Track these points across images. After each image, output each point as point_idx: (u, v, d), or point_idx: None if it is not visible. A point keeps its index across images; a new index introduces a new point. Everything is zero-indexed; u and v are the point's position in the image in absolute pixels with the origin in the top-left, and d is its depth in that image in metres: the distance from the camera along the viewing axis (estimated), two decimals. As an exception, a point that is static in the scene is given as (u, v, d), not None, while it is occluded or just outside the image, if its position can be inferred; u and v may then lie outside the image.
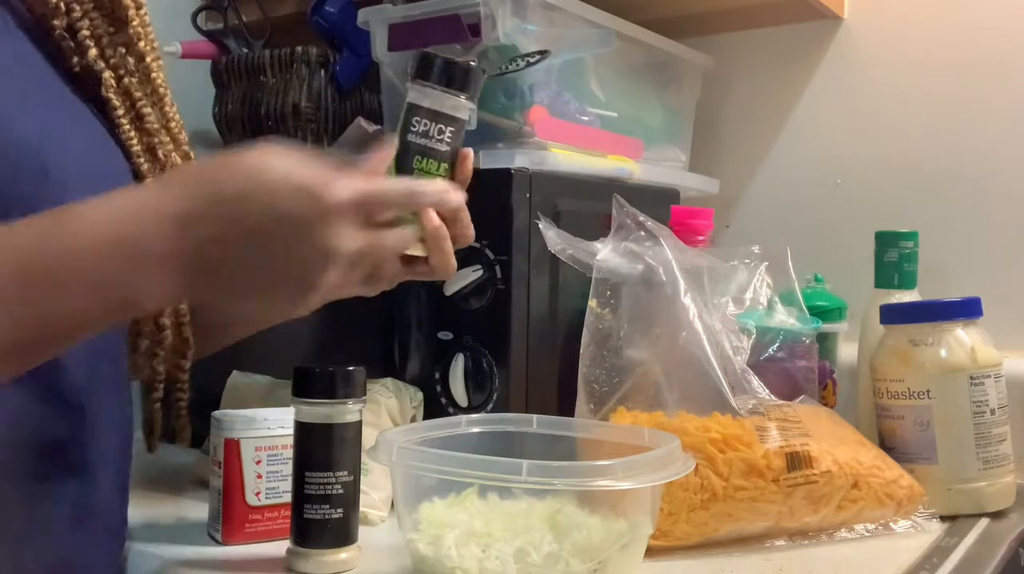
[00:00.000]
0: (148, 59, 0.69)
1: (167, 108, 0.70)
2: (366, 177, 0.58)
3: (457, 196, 0.63)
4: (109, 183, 0.62)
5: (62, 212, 0.53)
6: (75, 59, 0.67)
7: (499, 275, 0.87)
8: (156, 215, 0.53)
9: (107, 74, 0.67)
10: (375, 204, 0.57)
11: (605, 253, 0.86)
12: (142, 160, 0.68)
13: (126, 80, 0.68)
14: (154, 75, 0.69)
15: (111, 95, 0.67)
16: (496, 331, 0.87)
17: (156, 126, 0.69)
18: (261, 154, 0.54)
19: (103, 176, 0.63)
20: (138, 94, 0.68)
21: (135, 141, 0.68)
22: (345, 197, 0.54)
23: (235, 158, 0.54)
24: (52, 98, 0.63)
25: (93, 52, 0.66)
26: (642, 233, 0.88)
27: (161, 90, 0.70)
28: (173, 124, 0.71)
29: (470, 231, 0.66)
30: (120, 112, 0.68)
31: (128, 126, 0.68)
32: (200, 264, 0.53)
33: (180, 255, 0.52)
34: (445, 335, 0.90)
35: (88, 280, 0.52)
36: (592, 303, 0.85)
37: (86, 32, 0.66)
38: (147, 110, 0.68)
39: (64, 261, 0.51)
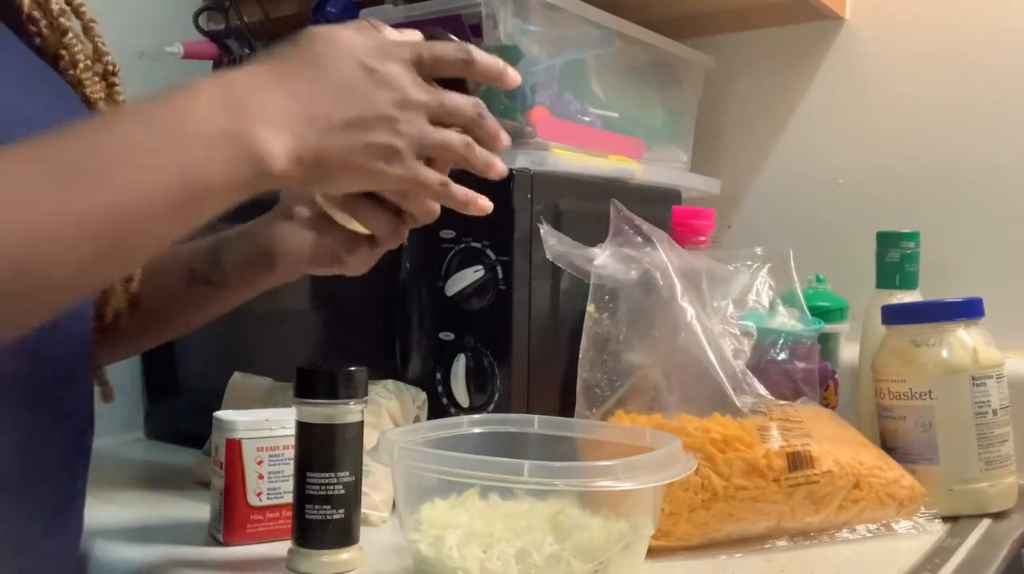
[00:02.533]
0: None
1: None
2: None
3: (515, 77, 0.62)
4: None
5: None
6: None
7: (500, 276, 0.87)
8: (257, 75, 0.53)
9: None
10: (430, 55, 0.58)
11: (603, 259, 0.86)
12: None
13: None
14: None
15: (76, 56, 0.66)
16: (497, 331, 0.87)
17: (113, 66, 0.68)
18: (323, 31, 0.56)
19: None
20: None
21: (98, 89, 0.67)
22: (404, 43, 0.57)
23: (300, 39, 0.56)
24: (17, 67, 0.61)
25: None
26: (639, 238, 0.88)
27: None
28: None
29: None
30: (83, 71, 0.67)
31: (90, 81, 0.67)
32: (308, 116, 0.53)
33: (288, 108, 0.53)
34: (446, 335, 0.90)
35: (168, 152, 0.49)
36: (591, 308, 0.85)
37: None
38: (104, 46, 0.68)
39: (130, 139, 0.48)
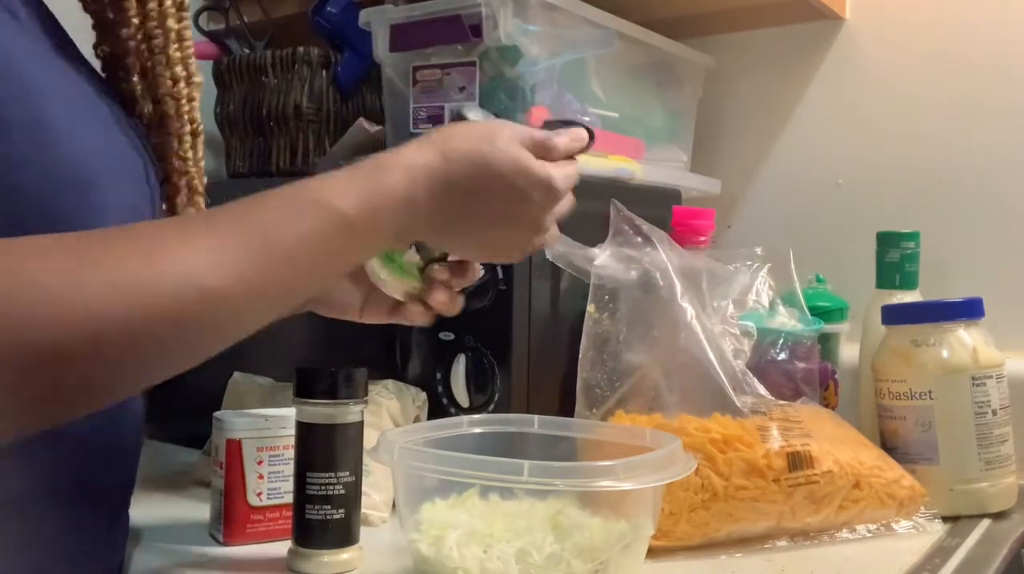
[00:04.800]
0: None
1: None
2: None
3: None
4: (133, 185, 0.62)
5: (289, 187, 0.55)
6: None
7: (501, 275, 0.87)
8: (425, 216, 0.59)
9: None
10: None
11: (603, 259, 0.87)
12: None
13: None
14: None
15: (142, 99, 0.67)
16: (498, 331, 0.87)
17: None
18: (486, 141, 0.61)
19: (130, 180, 0.62)
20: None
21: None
22: (562, 186, 0.63)
23: (464, 147, 0.60)
24: (89, 106, 0.61)
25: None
26: (639, 238, 0.88)
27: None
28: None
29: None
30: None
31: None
32: (444, 216, 0.60)
33: (431, 209, 0.59)
34: (447, 335, 0.90)
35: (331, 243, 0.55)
36: (591, 308, 0.85)
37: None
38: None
39: (302, 232, 0.54)
